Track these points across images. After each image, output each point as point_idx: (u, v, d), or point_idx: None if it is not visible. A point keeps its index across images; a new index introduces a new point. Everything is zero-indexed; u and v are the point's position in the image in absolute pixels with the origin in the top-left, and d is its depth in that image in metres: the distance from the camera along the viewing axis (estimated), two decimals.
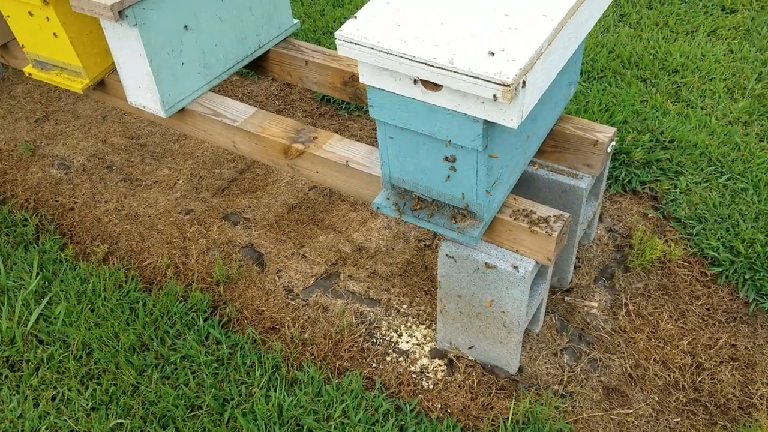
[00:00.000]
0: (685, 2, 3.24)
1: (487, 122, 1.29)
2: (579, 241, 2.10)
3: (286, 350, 1.95)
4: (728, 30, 3.04)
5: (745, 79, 2.74)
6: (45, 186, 2.59)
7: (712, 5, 3.20)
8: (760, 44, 2.93)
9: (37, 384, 1.88)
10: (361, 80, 1.37)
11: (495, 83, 1.17)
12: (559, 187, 1.81)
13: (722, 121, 2.55)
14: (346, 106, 2.84)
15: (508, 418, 1.76)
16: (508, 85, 1.15)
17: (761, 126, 2.54)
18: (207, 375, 1.87)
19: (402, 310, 2.07)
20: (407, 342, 1.98)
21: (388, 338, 1.99)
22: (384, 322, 2.04)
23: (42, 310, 2.06)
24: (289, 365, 1.91)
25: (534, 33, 1.24)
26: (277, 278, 2.19)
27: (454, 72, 1.20)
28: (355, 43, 1.29)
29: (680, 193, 2.29)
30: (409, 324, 2.03)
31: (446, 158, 1.42)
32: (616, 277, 2.10)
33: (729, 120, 2.56)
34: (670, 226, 2.23)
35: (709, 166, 2.37)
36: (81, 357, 1.94)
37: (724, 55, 2.89)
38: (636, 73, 2.82)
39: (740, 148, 2.43)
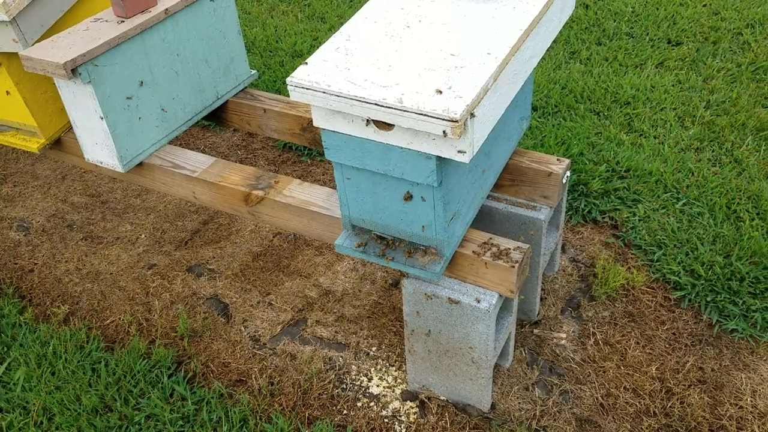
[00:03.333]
0: (633, 37, 3.36)
1: (439, 158, 1.31)
2: (543, 273, 2.12)
3: (253, 402, 1.91)
4: (675, 61, 3.15)
5: (694, 108, 2.83)
6: (3, 249, 2.54)
7: (658, 39, 3.32)
8: (706, 74, 3.04)
9: None
10: (314, 123, 1.39)
11: (443, 120, 1.19)
12: (518, 220, 1.83)
13: (675, 149, 2.62)
14: (308, 152, 2.86)
15: None
16: (457, 121, 1.18)
17: (712, 151, 2.61)
18: None
19: (371, 352, 2.04)
20: (378, 385, 1.95)
21: (359, 383, 1.96)
22: (353, 366, 2.01)
23: (0, 376, 1.99)
24: (257, 418, 1.86)
25: (479, 70, 1.27)
26: (243, 328, 2.15)
27: (404, 111, 1.22)
28: (307, 88, 1.31)
29: (639, 220, 2.34)
30: (379, 367, 2.00)
31: (403, 195, 1.43)
32: (583, 307, 2.12)
33: (681, 147, 2.64)
34: (632, 254, 2.26)
35: (665, 193, 2.42)
36: (42, 423, 1.87)
37: (673, 85, 2.99)
38: (589, 106, 2.89)
39: (694, 173, 2.49)
